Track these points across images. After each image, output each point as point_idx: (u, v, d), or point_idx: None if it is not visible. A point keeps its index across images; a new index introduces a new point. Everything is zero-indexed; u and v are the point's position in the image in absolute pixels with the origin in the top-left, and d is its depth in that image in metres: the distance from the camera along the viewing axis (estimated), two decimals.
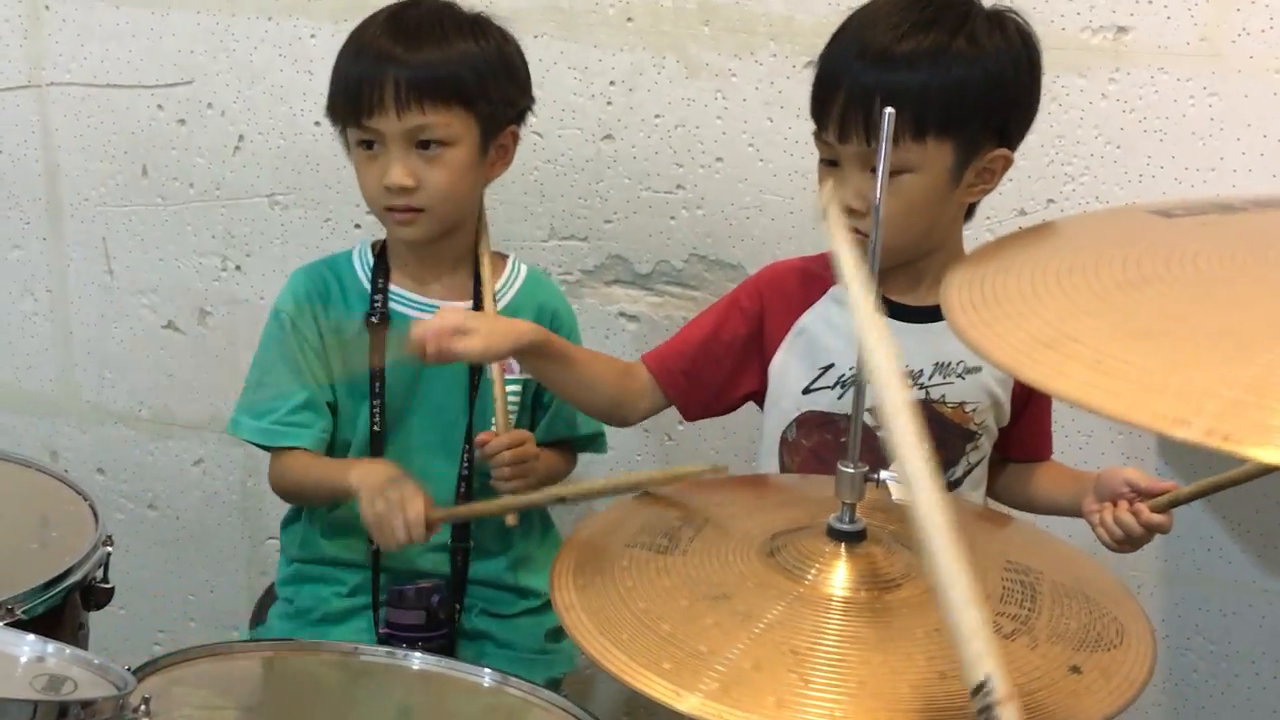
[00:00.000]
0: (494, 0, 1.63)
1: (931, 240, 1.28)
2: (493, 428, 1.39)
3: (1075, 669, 0.80)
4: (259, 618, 1.59)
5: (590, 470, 1.62)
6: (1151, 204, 0.83)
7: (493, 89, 1.37)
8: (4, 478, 1.51)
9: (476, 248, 1.46)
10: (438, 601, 1.36)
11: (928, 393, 1.30)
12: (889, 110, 0.86)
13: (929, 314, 1.28)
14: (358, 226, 1.82)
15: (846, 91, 1.21)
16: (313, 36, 1.77)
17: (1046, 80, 1.53)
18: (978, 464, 1.34)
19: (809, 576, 0.87)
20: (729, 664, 0.79)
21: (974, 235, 1.61)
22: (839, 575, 0.88)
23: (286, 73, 1.79)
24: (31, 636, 0.94)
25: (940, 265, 1.24)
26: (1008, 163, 1.26)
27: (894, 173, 1.16)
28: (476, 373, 1.41)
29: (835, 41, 1.27)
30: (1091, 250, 0.72)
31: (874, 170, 1.14)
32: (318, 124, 1.79)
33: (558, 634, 1.42)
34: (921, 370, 1.30)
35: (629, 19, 1.65)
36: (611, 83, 1.67)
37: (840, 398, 1.28)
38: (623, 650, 0.79)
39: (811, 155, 1.63)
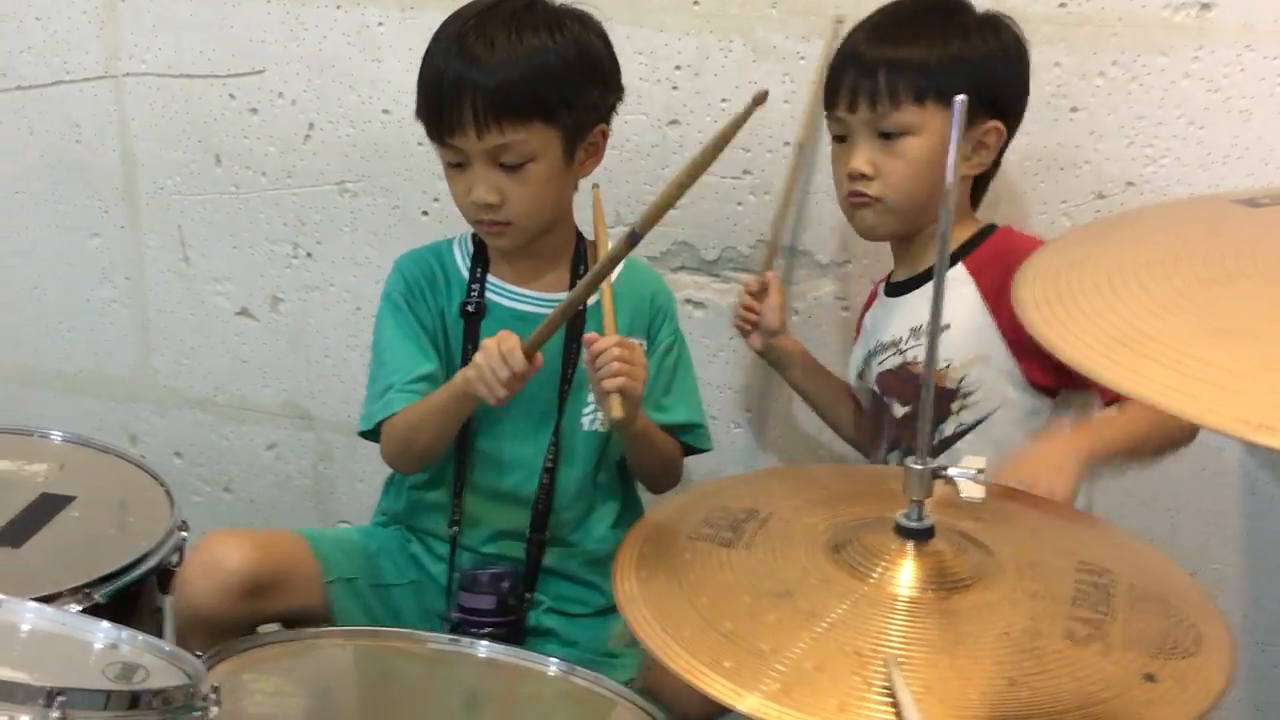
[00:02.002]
0: None
1: (932, 211, 1.36)
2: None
3: (1150, 677, 0.77)
4: None
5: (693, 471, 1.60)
6: (1236, 193, 0.80)
7: (574, 96, 1.35)
8: (85, 463, 1.55)
9: (579, 241, 1.47)
10: (508, 588, 1.37)
11: (904, 356, 1.41)
12: (960, 97, 0.84)
13: (913, 284, 1.43)
14: (425, 214, 1.82)
15: (855, 67, 1.37)
16: (380, 24, 1.77)
17: (1126, 59, 1.50)
18: (977, 422, 1.37)
19: (874, 575, 0.85)
20: (791, 664, 0.77)
21: (1049, 219, 1.58)
22: (905, 574, 0.86)
23: (355, 61, 1.79)
24: (106, 623, 0.96)
25: (929, 238, 1.39)
26: (1001, 136, 1.38)
27: (896, 134, 1.35)
28: (570, 366, 1.40)
29: (847, 38, 1.43)
30: (1172, 243, 0.69)
31: (882, 136, 1.35)
32: (386, 112, 1.80)
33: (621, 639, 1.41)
34: (900, 338, 1.42)
35: (695, 2, 1.63)
36: (677, 67, 1.66)
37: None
38: (684, 647, 0.78)
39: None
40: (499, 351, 1.25)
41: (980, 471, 0.85)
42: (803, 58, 1.60)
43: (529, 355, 1.26)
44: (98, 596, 1.25)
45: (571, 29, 1.37)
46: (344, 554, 1.44)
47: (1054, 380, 1.35)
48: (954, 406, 1.37)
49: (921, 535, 0.87)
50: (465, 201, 1.37)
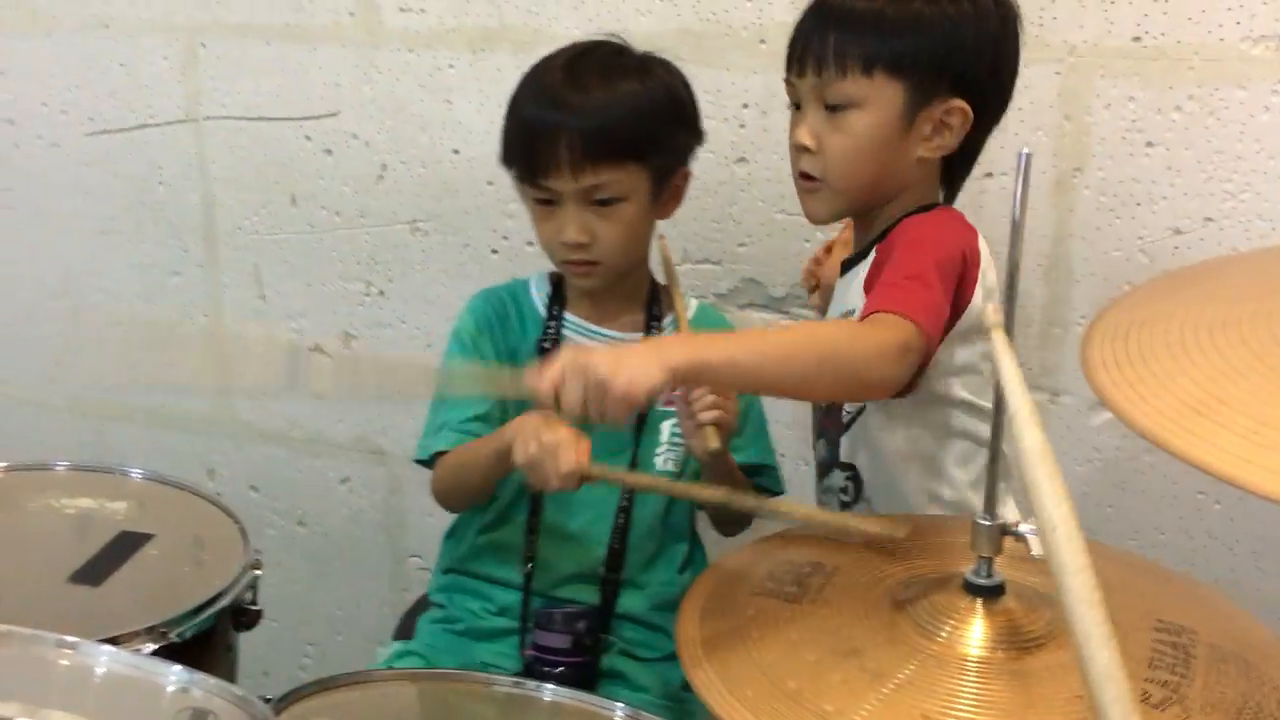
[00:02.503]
0: (628, 28, 1.63)
1: (882, 191, 1.27)
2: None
3: None
4: (406, 629, 1.61)
5: None
6: None
7: (664, 138, 1.37)
8: (163, 500, 1.57)
9: (652, 282, 1.48)
10: (584, 628, 1.36)
11: None
12: (1025, 152, 0.82)
13: (856, 261, 1.32)
14: (495, 252, 1.84)
15: (807, 27, 1.25)
16: (451, 66, 1.80)
17: (1202, 93, 1.47)
18: (853, 410, 1.30)
19: (943, 634, 0.84)
20: None
21: (1125, 256, 1.54)
22: (975, 633, 0.84)
23: (427, 103, 1.82)
24: (178, 667, 0.98)
25: (888, 218, 1.27)
26: (966, 117, 1.23)
27: (841, 106, 1.22)
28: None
29: None
30: (1249, 299, 0.66)
31: (830, 107, 1.22)
32: (456, 152, 1.82)
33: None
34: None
35: (762, 40, 1.63)
36: (745, 105, 1.66)
37: None
38: (748, 707, 0.77)
39: (969, 178, 1.60)
40: (557, 469, 1.20)
41: None
42: None
43: (586, 479, 1.22)
44: (173, 635, 1.27)
45: (659, 74, 1.40)
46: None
47: None
48: None
49: (991, 592, 0.85)
50: (554, 241, 1.39)
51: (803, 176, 1.28)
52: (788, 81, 1.29)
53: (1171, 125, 1.49)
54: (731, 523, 1.48)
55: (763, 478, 1.46)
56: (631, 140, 1.34)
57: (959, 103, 1.21)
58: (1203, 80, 1.47)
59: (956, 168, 1.31)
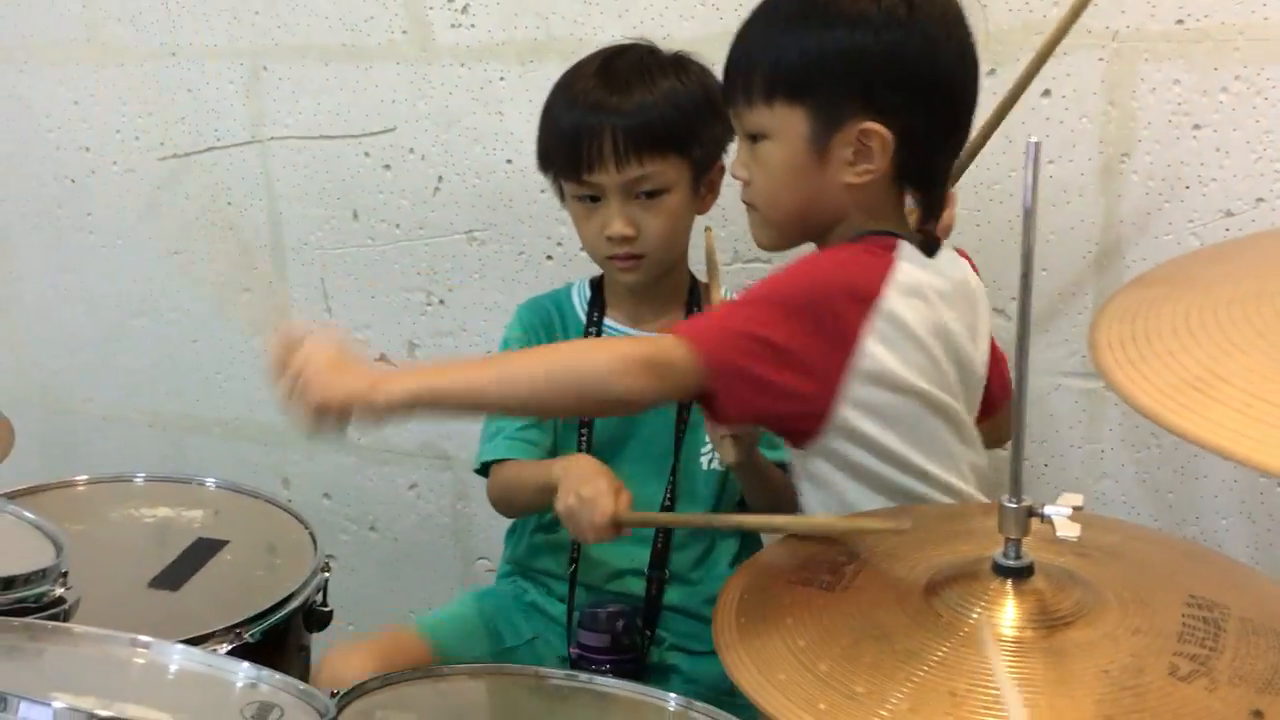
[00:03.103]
0: (671, 34, 1.66)
1: (816, 220, 1.22)
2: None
3: (1257, 714, 0.74)
4: None
5: None
6: None
7: (703, 131, 1.42)
8: (237, 508, 1.64)
9: (693, 282, 1.51)
10: (623, 627, 1.39)
11: None
12: (1033, 141, 0.83)
13: None
14: (549, 258, 1.88)
15: (729, 59, 1.23)
16: (502, 79, 1.84)
17: (1249, 73, 1.45)
18: None
19: (974, 615, 0.85)
20: (887, 706, 0.78)
21: (1176, 239, 1.53)
22: (1006, 614, 0.85)
23: (479, 115, 1.87)
24: (246, 664, 1.03)
25: (839, 240, 1.21)
26: (884, 140, 1.15)
27: (755, 137, 1.21)
28: (686, 405, 1.44)
29: None
30: (1258, 277, 0.67)
31: (751, 137, 1.21)
32: (509, 162, 1.87)
33: None
34: None
35: None
36: None
37: None
38: (779, 689, 0.80)
39: (995, 166, 1.61)
40: (591, 519, 1.23)
41: (1078, 509, 0.85)
42: None
43: (620, 529, 1.25)
44: (248, 636, 1.33)
45: (694, 71, 1.45)
46: (462, 637, 1.50)
47: None
48: None
49: (1020, 574, 0.87)
50: (598, 237, 1.42)
51: (747, 205, 1.27)
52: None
53: (1219, 107, 1.48)
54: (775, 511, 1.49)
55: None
56: (673, 132, 1.38)
57: (872, 125, 1.14)
58: (1248, 60, 1.46)
59: (916, 184, 1.22)
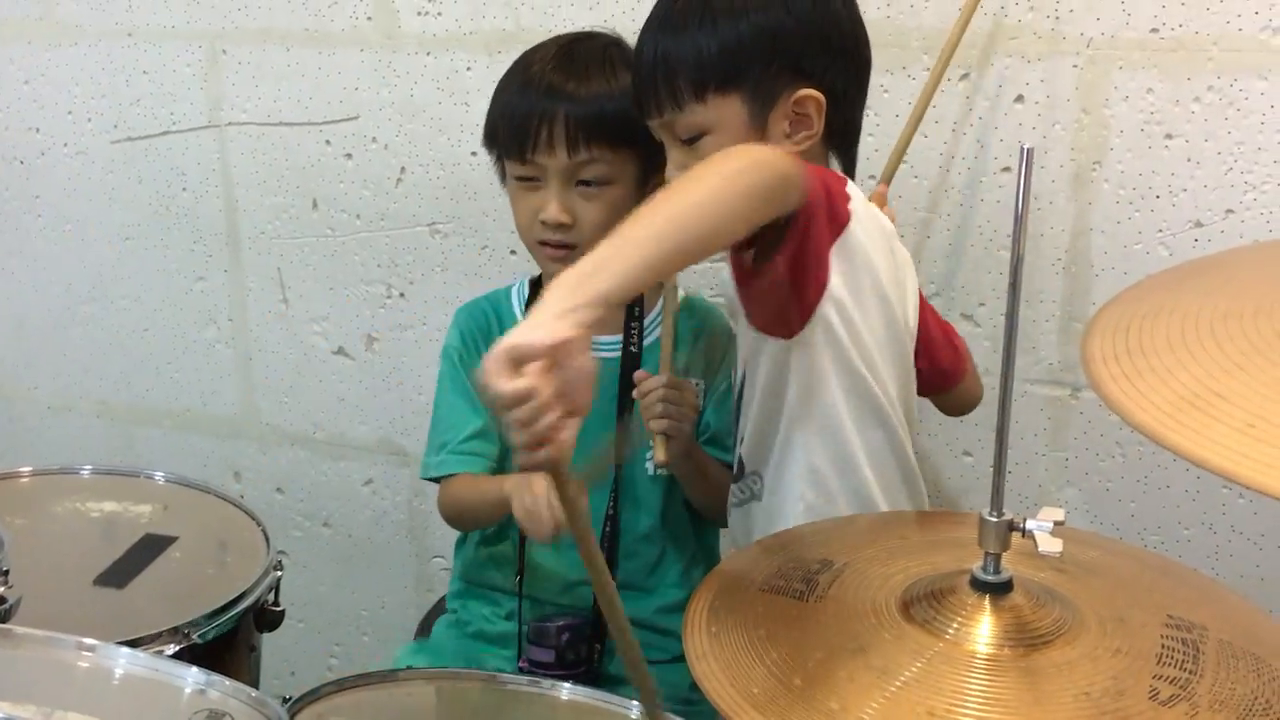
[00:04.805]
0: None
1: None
2: None
3: None
4: (425, 630, 1.63)
5: None
6: None
7: None
8: (187, 503, 1.60)
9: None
10: (566, 641, 1.37)
11: None
12: (1027, 146, 0.81)
13: None
14: (513, 253, 1.85)
15: (638, 75, 1.23)
16: (469, 69, 1.81)
17: (1222, 84, 1.45)
18: (742, 374, 1.23)
19: (950, 631, 0.84)
20: None
21: (1145, 249, 1.53)
22: (982, 630, 0.83)
23: (444, 105, 1.83)
24: (195, 669, 0.99)
25: None
26: (819, 103, 1.19)
27: (695, 137, 1.21)
28: (626, 409, 1.41)
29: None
30: (1254, 292, 0.66)
31: (687, 141, 1.20)
32: (474, 154, 1.83)
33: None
34: None
35: None
36: None
37: None
38: (752, 705, 0.77)
39: (968, 171, 1.60)
40: (544, 497, 1.20)
41: (1059, 524, 0.83)
42: (887, 90, 1.58)
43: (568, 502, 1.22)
44: (195, 636, 1.29)
45: None
46: None
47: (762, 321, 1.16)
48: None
49: (998, 589, 0.85)
50: (532, 221, 1.39)
51: None
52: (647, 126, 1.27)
53: (1191, 117, 1.48)
54: (722, 512, 1.47)
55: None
56: (628, 124, 1.33)
57: (806, 91, 1.19)
58: (1222, 71, 1.45)
59: (839, 143, 1.26)
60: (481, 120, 1.79)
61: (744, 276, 1.12)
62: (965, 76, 1.57)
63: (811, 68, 1.19)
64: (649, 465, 1.43)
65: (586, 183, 1.35)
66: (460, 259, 1.89)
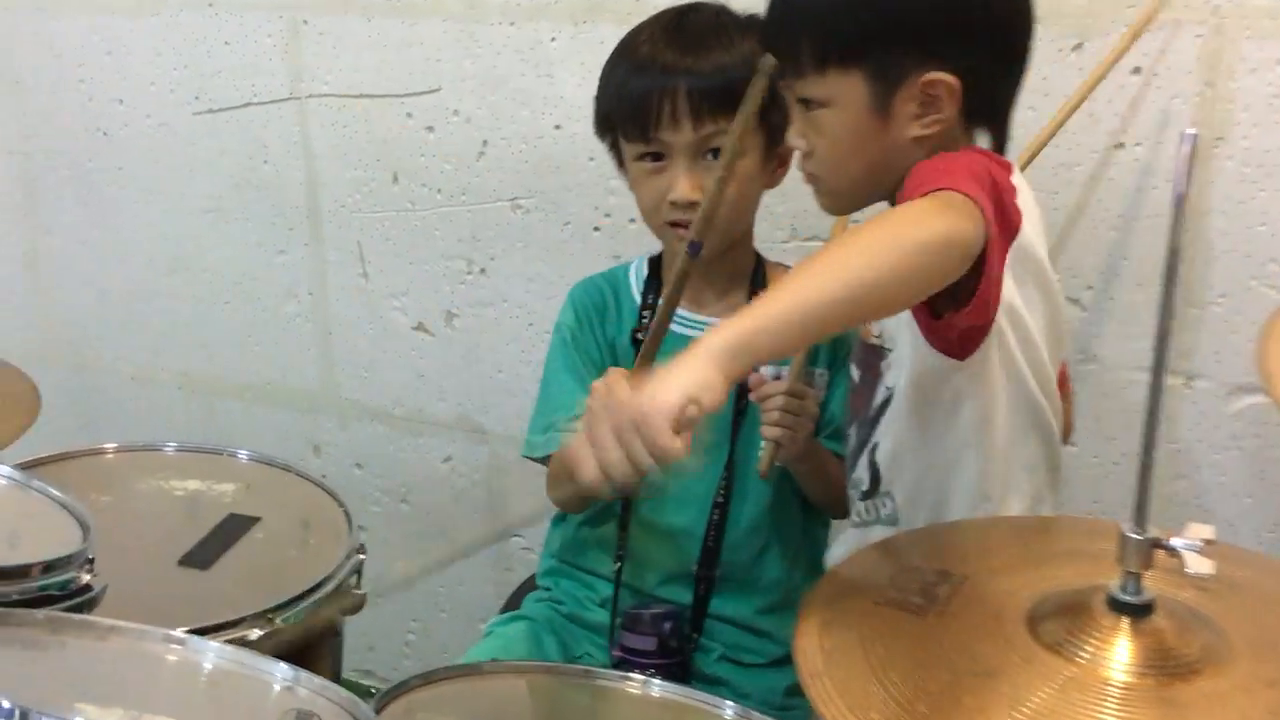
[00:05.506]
0: None
1: (885, 180, 1.15)
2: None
3: None
4: (513, 605, 1.60)
5: None
6: None
7: (781, 97, 1.31)
8: (269, 482, 1.58)
9: (758, 261, 1.43)
10: (669, 629, 1.33)
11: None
12: (1191, 132, 0.74)
13: None
14: (596, 230, 1.80)
15: (770, 30, 1.17)
16: (553, 40, 1.76)
17: None
18: (894, 388, 1.17)
19: (1084, 655, 0.78)
20: None
21: (1271, 231, 1.44)
22: (1120, 655, 0.77)
23: (528, 77, 1.78)
24: (283, 665, 0.96)
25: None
26: (951, 88, 1.09)
27: (812, 106, 1.14)
28: (744, 396, 1.36)
29: None
30: None
31: (804, 103, 1.14)
32: (558, 127, 1.78)
33: (797, 689, 1.36)
34: None
35: None
36: None
37: None
38: None
39: (1077, 147, 1.52)
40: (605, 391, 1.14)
41: (1210, 542, 0.77)
42: None
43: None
44: (279, 621, 1.27)
45: None
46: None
47: (932, 328, 1.08)
48: (882, 366, 1.19)
49: (1139, 611, 0.79)
50: (660, 202, 1.33)
51: (807, 176, 1.21)
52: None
53: None
54: (836, 507, 1.42)
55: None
56: None
57: (936, 75, 1.09)
58: None
59: (985, 120, 1.16)
60: (565, 92, 1.76)
61: (925, 322, 1.06)
62: (1078, 46, 1.49)
63: (944, 49, 1.09)
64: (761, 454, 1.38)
65: (715, 155, 1.30)
66: (542, 235, 1.85)
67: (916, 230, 0.91)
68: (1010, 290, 1.06)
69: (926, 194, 0.96)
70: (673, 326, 1.40)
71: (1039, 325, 1.11)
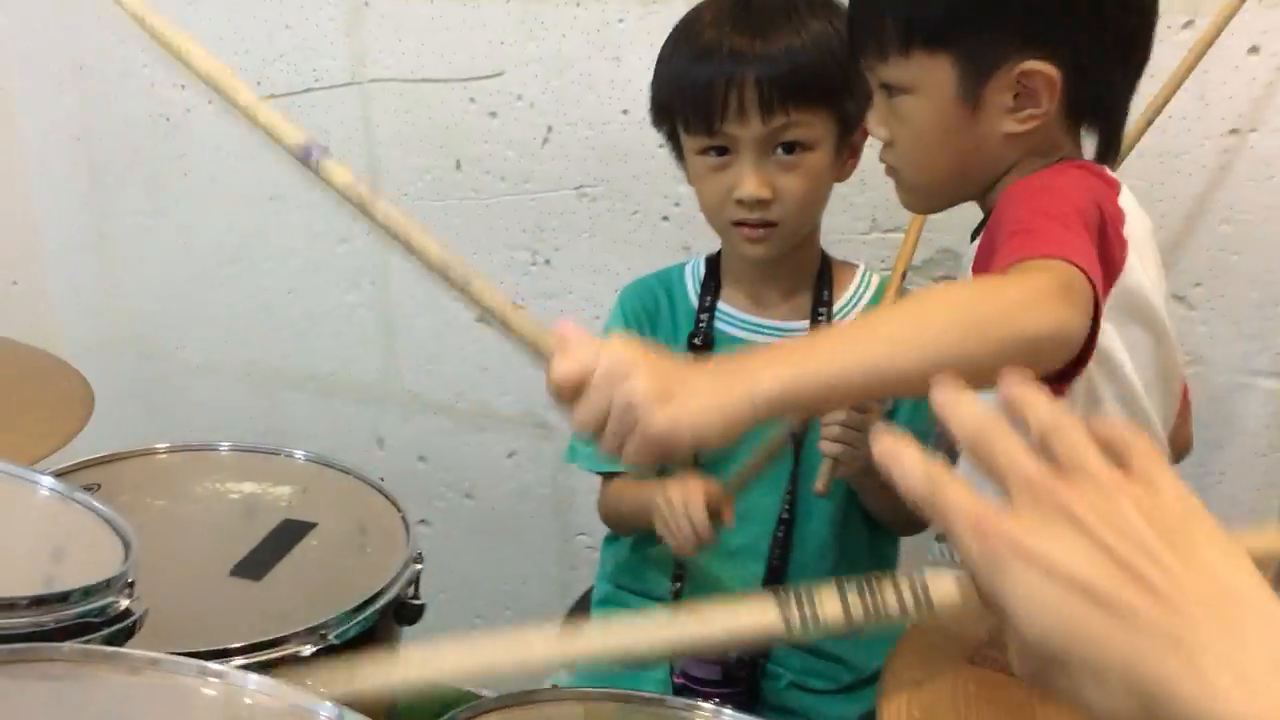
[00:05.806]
0: None
1: (974, 177, 1.06)
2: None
3: None
4: (581, 609, 1.54)
5: None
6: None
7: (856, 83, 1.20)
8: (326, 486, 1.53)
9: (824, 257, 1.34)
10: (735, 659, 1.25)
11: None
12: None
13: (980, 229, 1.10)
14: (665, 219, 1.72)
15: (853, 9, 1.09)
16: (620, 21, 1.67)
17: None
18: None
19: None
20: None
21: None
22: None
23: (594, 60, 1.71)
24: (329, 704, 0.91)
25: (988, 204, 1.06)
26: (1050, 80, 0.98)
27: (895, 92, 1.05)
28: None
29: None
30: None
31: (886, 88, 1.05)
32: (625, 113, 1.71)
33: (870, 716, 1.28)
34: None
35: None
36: None
37: None
38: None
39: (1187, 134, 1.40)
40: (681, 506, 1.14)
41: None
42: None
43: (718, 512, 1.15)
44: (332, 637, 1.23)
45: (842, 16, 1.24)
46: None
47: None
48: None
49: None
50: (726, 200, 1.24)
51: (887, 169, 1.11)
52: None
53: None
54: (905, 525, 1.33)
55: None
56: (825, 82, 1.20)
57: (1033, 64, 0.98)
58: None
59: (1091, 118, 1.05)
60: (633, 76, 1.68)
61: None
62: (1189, 24, 1.37)
63: (1044, 35, 0.98)
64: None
65: (785, 150, 1.21)
66: (609, 224, 1.77)
67: (1026, 319, 0.79)
68: (1109, 335, 0.95)
69: (1039, 257, 0.84)
70: (730, 329, 1.33)
71: (1146, 371, 1.00)
